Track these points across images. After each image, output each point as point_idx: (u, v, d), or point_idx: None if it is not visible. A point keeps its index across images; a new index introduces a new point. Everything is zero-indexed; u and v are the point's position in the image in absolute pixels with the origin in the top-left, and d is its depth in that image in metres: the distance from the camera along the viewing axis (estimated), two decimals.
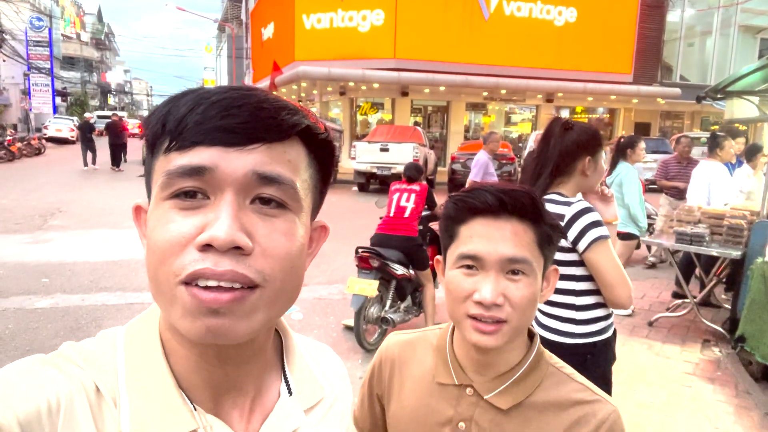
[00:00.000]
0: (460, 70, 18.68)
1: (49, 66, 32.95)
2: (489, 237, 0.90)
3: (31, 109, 32.77)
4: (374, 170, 14.13)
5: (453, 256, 0.94)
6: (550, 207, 1.92)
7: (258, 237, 0.53)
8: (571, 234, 1.86)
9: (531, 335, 1.02)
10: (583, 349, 1.90)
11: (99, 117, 34.98)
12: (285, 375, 0.68)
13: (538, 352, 1.00)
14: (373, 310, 4.44)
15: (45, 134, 27.65)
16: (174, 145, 0.53)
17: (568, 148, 1.95)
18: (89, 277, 6.12)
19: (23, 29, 32.23)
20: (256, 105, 0.54)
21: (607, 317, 1.94)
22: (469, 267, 0.92)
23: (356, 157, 14.40)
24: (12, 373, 0.52)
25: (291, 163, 0.56)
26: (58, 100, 35.51)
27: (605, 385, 1.97)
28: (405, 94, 20.06)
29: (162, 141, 0.55)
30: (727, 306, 5.30)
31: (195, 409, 0.57)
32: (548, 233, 0.93)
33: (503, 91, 20.14)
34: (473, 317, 0.90)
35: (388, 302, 4.50)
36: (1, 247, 7.23)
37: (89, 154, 17.52)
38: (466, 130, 22.00)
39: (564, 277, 1.91)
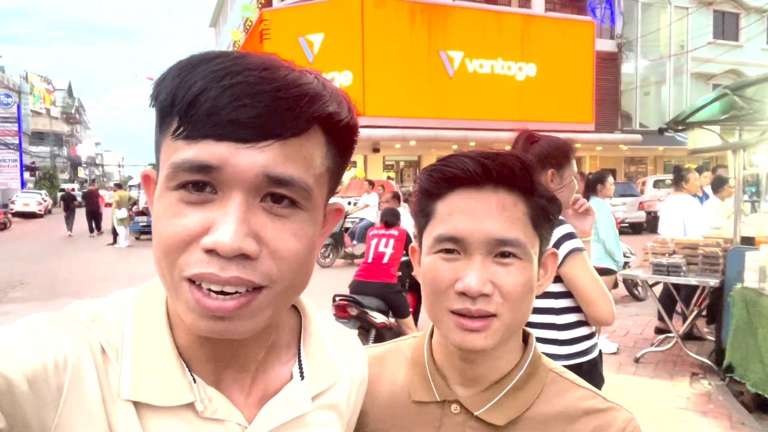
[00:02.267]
0: (429, 125, 19.13)
1: (17, 142, 32.75)
2: (471, 213, 0.72)
3: None
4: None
5: (429, 239, 0.76)
6: None
7: (267, 238, 0.51)
8: None
9: (525, 336, 0.85)
10: None
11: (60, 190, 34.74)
12: (299, 357, 0.66)
13: (535, 355, 0.83)
14: None
15: (12, 209, 27.07)
16: (182, 132, 0.49)
17: None
18: None
19: None
20: (273, 93, 0.49)
21: (591, 336, 1.84)
22: (448, 251, 0.74)
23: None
24: (20, 329, 0.52)
25: (306, 160, 0.52)
26: (26, 174, 35.08)
27: None
28: (377, 150, 20.34)
29: (170, 120, 0.51)
30: (711, 338, 5.23)
31: (195, 381, 0.56)
32: (543, 206, 0.76)
33: (472, 144, 20.55)
34: (457, 313, 0.72)
35: None
36: None
37: (71, 222, 19.06)
38: None
39: (541, 295, 1.81)
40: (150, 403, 0.54)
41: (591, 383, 1.76)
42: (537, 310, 1.83)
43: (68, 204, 19.31)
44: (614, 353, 5.18)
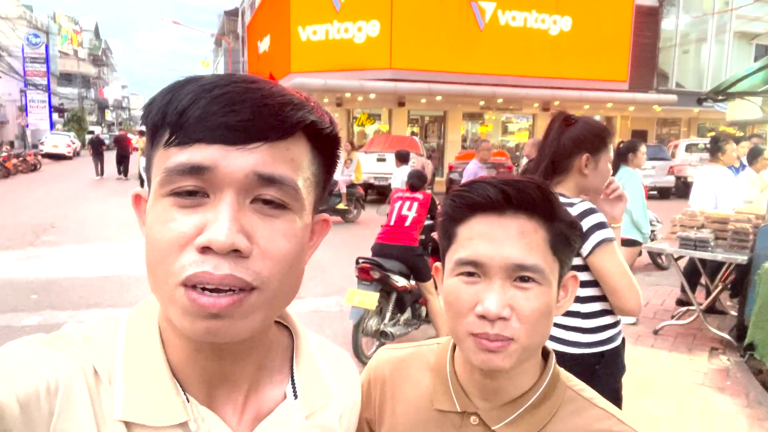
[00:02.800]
0: (456, 79, 18.68)
1: (46, 82, 33.01)
2: (492, 238, 0.75)
3: (27, 126, 32.74)
4: (371, 180, 14.06)
5: (451, 261, 0.80)
6: None
7: (257, 238, 0.52)
8: None
9: (545, 354, 0.87)
10: (591, 360, 1.78)
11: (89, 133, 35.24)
12: (293, 377, 0.66)
13: (555, 373, 0.85)
14: (372, 323, 4.31)
15: (41, 150, 27.55)
16: (174, 139, 0.52)
17: (565, 145, 1.84)
18: (80, 293, 5.99)
19: (20, 46, 32.30)
20: (259, 101, 0.52)
21: (615, 325, 1.82)
22: (469, 274, 0.77)
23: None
24: (12, 352, 0.52)
25: (293, 162, 0.55)
26: (55, 116, 35.50)
27: (615, 398, 1.84)
28: (402, 104, 20.04)
29: (162, 132, 0.53)
30: (734, 312, 5.18)
31: (188, 401, 0.57)
32: (564, 233, 0.78)
33: (500, 100, 20.13)
34: (477, 335, 0.75)
35: (388, 315, 4.37)
36: None
37: (99, 165, 19.78)
38: (464, 140, 21.96)
39: None
40: (143, 424, 0.54)
41: (612, 372, 1.79)
42: None
43: (96, 148, 19.99)
44: (633, 324, 5.17)
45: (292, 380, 0.66)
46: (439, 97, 19.18)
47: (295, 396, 0.65)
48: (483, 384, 0.83)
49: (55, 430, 0.50)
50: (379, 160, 13.94)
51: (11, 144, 28.53)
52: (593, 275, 1.75)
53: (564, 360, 1.79)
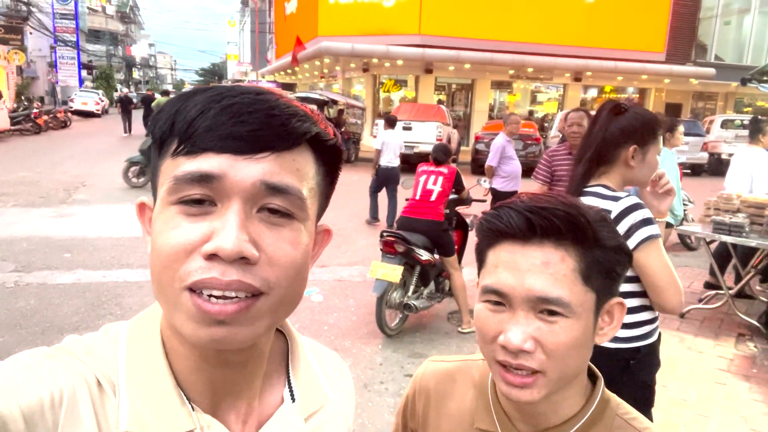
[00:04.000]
0: (485, 47, 18.25)
1: (75, 39, 33.18)
2: (515, 268, 0.72)
3: (57, 82, 33.11)
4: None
5: (480, 286, 0.78)
6: (594, 201, 1.75)
7: (264, 246, 0.53)
8: (618, 231, 1.69)
9: (594, 377, 0.84)
10: (625, 354, 1.76)
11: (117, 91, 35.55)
12: (289, 380, 0.67)
13: (603, 399, 0.81)
14: (396, 296, 4.34)
15: (71, 107, 27.91)
16: (182, 149, 0.52)
17: (612, 135, 1.77)
18: (111, 252, 6.13)
19: (50, 2, 32.39)
20: (267, 112, 0.53)
21: (653, 321, 1.79)
22: (495, 303, 0.74)
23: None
24: (16, 365, 0.53)
25: (299, 172, 0.56)
26: (83, 73, 35.80)
27: (649, 394, 1.83)
28: (429, 71, 19.71)
29: (170, 142, 0.54)
30: (763, 298, 5.09)
31: (193, 409, 0.57)
32: (600, 260, 0.73)
33: (530, 69, 19.66)
34: (501, 364, 0.74)
35: (411, 288, 4.39)
36: (26, 221, 7.29)
37: (127, 123, 20.89)
38: (491, 109, 21.60)
39: None
40: None
41: (646, 367, 1.77)
42: None
43: (125, 106, 21.10)
44: None
45: (289, 384, 0.67)
46: (467, 65, 18.80)
47: (293, 399, 0.66)
48: (521, 409, 0.80)
49: None
50: (404, 128, 13.78)
51: (41, 100, 28.90)
52: (635, 271, 1.71)
53: (599, 353, 1.77)
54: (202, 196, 0.52)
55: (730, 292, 4.89)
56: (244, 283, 0.51)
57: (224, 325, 0.51)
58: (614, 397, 0.84)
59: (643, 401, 1.81)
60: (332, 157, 0.61)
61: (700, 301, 5.27)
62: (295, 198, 0.55)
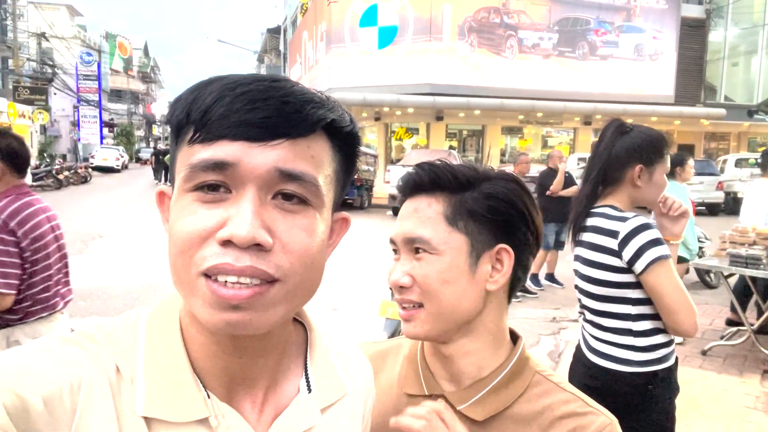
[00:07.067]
0: (495, 93, 18.59)
1: (97, 99, 34.46)
2: (400, 218, 0.88)
3: (79, 140, 34.20)
4: None
5: None
6: (601, 222, 1.74)
7: (278, 233, 0.53)
8: (627, 253, 1.65)
9: (515, 338, 0.91)
10: (643, 379, 1.70)
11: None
12: (306, 371, 0.67)
13: (522, 357, 0.88)
14: None
15: (92, 163, 28.68)
16: (198, 136, 0.53)
17: (617, 154, 1.75)
18: (124, 300, 6.17)
19: (74, 64, 33.88)
20: (282, 99, 0.53)
21: (668, 344, 1.73)
22: (393, 250, 0.89)
23: (391, 182, 14.36)
24: (35, 351, 0.53)
25: (314, 159, 0.55)
26: (105, 130, 36.96)
27: (668, 419, 1.75)
28: (440, 118, 20.05)
29: (186, 130, 0.55)
30: None
31: (209, 397, 0.57)
32: (467, 205, 0.84)
33: (540, 114, 19.90)
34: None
35: None
36: None
37: (161, 173, 23.32)
38: (502, 154, 21.77)
39: (618, 300, 1.73)
40: (164, 419, 0.55)
41: (665, 392, 1.71)
42: (613, 315, 1.75)
43: (158, 158, 24.10)
44: (680, 344, 4.97)
45: (306, 374, 0.67)
46: (477, 111, 19.11)
47: (309, 390, 0.66)
48: (444, 366, 0.88)
49: (77, 427, 0.51)
50: None
51: (63, 157, 29.81)
52: (646, 293, 1.68)
53: (616, 378, 1.71)
54: (216, 182, 0.53)
55: (753, 327, 4.75)
56: (258, 269, 0.51)
57: (239, 310, 0.52)
58: (534, 356, 0.91)
59: (664, 427, 1.74)
60: (349, 144, 0.60)
61: (722, 338, 5.11)
62: (310, 185, 0.54)
